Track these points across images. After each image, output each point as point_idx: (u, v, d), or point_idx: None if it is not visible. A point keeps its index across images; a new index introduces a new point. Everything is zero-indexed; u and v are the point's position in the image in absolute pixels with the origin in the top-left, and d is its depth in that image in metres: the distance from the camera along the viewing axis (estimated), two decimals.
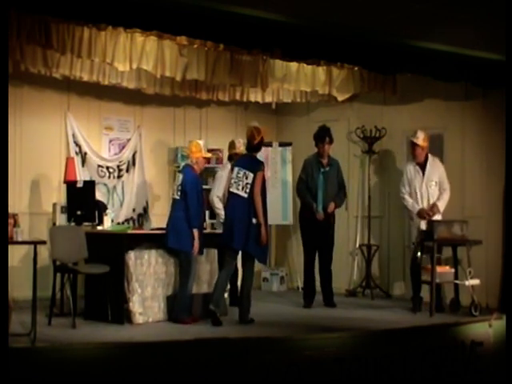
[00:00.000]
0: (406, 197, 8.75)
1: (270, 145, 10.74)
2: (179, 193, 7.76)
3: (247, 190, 7.53)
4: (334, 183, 8.99)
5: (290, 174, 10.71)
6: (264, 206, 7.57)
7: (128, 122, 10.01)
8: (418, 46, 7.89)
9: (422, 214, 8.59)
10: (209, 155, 8.58)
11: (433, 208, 8.59)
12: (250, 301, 7.59)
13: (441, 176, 8.72)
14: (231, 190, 7.68)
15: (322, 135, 8.92)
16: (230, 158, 8.81)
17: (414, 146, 8.73)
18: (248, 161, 7.72)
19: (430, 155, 8.78)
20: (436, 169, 8.74)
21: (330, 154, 9.04)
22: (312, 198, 8.86)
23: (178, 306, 7.61)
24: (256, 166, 7.60)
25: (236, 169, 7.71)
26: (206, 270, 8.09)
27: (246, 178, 7.57)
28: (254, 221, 7.48)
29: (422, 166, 8.72)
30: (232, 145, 8.86)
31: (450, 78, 8.47)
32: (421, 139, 8.66)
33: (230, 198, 7.73)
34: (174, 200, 7.85)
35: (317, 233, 8.85)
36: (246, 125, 9.59)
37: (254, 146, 7.75)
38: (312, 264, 8.92)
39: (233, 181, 7.67)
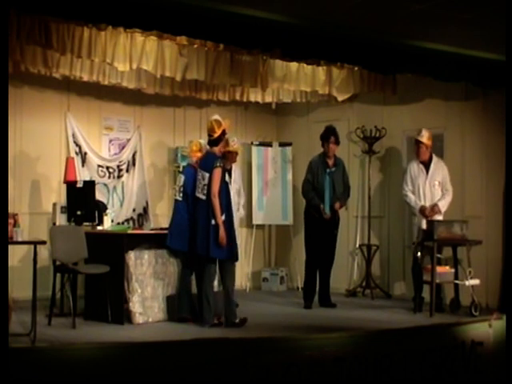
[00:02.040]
0: (409, 194, 8.74)
1: (269, 145, 10.75)
2: (181, 194, 7.75)
3: (205, 192, 7.26)
4: (341, 183, 8.99)
5: (290, 173, 10.72)
6: (227, 202, 7.27)
7: (128, 121, 10.00)
8: (418, 46, 7.88)
9: (423, 211, 8.59)
10: None
11: (434, 208, 8.59)
12: (232, 302, 7.27)
13: (444, 177, 8.73)
14: (196, 194, 7.41)
15: (327, 135, 8.91)
16: (222, 157, 8.71)
17: (418, 144, 8.72)
18: (205, 160, 7.46)
19: (434, 155, 8.79)
20: (440, 169, 8.75)
21: (335, 153, 9.04)
22: (319, 199, 8.83)
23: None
24: (210, 164, 7.28)
25: (198, 171, 7.46)
26: None
27: (204, 180, 7.29)
28: (212, 222, 7.18)
29: (426, 165, 8.72)
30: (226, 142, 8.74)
31: (450, 78, 8.47)
32: (425, 137, 8.67)
33: (195, 203, 7.45)
34: (176, 201, 7.84)
35: (322, 233, 8.82)
36: (247, 125, 9.62)
37: (213, 140, 7.41)
38: (315, 264, 8.88)
39: (197, 184, 7.40)
